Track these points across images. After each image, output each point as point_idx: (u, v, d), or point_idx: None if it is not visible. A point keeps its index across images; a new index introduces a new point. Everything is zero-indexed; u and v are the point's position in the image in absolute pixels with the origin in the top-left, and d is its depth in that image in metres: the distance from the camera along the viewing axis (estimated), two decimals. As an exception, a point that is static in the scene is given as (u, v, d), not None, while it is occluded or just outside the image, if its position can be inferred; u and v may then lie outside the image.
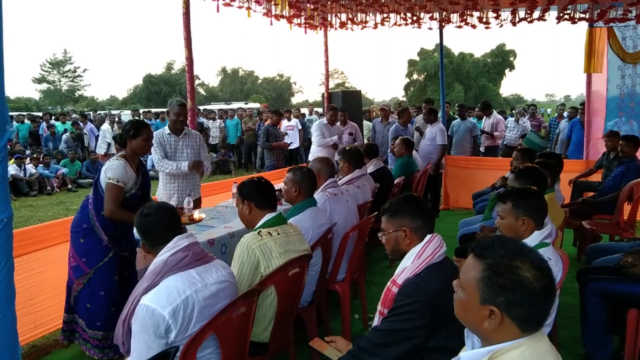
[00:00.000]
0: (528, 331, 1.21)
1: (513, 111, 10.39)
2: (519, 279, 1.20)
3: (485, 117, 9.16)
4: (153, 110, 20.28)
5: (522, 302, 1.19)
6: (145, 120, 14.99)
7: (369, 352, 1.90)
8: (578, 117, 8.65)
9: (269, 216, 2.63)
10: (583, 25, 6.82)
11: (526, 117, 10.24)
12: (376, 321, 2.07)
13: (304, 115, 14.18)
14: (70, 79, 50.38)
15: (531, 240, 2.37)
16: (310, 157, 6.64)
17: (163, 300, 1.87)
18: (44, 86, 49.64)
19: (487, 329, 1.23)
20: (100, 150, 12.68)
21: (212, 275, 2.06)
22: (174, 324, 1.87)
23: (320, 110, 15.05)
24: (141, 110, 18.56)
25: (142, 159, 3.49)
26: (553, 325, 2.57)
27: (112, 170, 3.07)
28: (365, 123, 10.26)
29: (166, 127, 4.40)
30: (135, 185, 3.23)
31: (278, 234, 2.58)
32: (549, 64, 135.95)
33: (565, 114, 10.13)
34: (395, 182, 5.35)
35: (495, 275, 1.22)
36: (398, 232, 2.07)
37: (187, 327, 1.90)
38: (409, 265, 2.00)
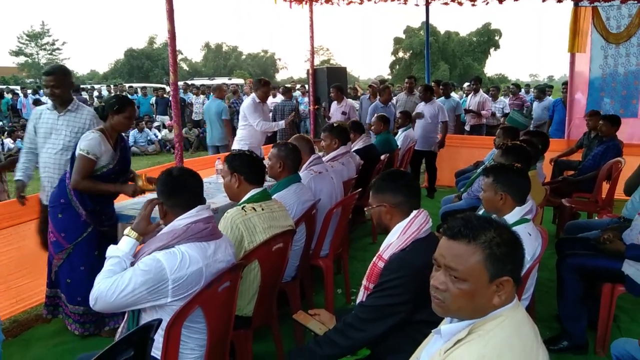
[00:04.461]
0: (516, 289, 1.29)
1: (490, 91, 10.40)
2: (513, 239, 1.29)
3: (471, 95, 9.19)
4: (135, 85, 19.91)
5: (521, 259, 1.30)
6: (128, 96, 14.84)
7: (355, 328, 1.92)
8: (560, 97, 8.72)
9: (254, 191, 2.63)
10: (568, 4, 6.83)
11: (508, 98, 10.31)
12: (361, 296, 2.09)
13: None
14: (49, 52, 49.02)
15: (512, 215, 2.42)
16: (238, 143, 5.97)
17: (176, 264, 1.86)
18: (22, 59, 48.32)
19: (496, 303, 1.25)
20: None
21: (222, 252, 2.07)
22: (171, 292, 1.86)
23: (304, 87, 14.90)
24: (126, 85, 18.14)
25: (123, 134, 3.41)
26: (531, 300, 2.63)
27: (85, 142, 3.01)
28: (350, 101, 10.23)
29: (49, 102, 3.44)
30: (112, 160, 3.14)
31: (262, 209, 2.58)
32: (533, 44, 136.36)
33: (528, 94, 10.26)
34: (381, 158, 5.36)
35: (498, 248, 1.24)
36: (380, 207, 2.09)
37: (183, 299, 1.90)
38: (394, 241, 2.01)
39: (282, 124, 6.25)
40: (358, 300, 2.11)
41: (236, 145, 5.98)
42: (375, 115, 6.19)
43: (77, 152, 3.02)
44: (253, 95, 6.01)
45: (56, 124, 3.29)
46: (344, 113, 7.58)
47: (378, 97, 7.61)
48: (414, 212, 2.05)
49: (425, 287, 1.36)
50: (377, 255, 2.06)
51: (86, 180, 3.03)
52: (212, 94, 8.84)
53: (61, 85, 3.27)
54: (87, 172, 3.03)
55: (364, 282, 2.09)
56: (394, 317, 1.89)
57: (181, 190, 2.06)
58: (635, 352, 2.09)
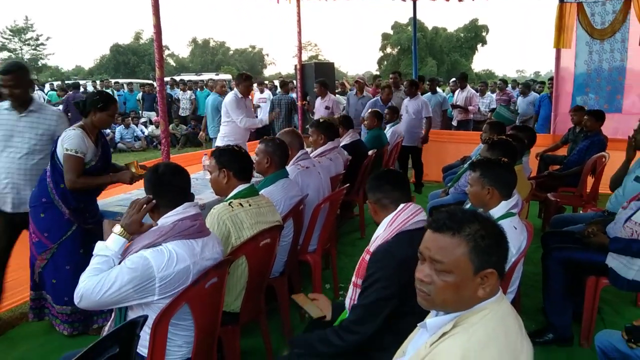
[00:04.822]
0: (500, 281, 1.29)
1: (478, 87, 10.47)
2: (497, 232, 1.30)
3: (459, 90, 9.23)
4: (121, 80, 19.69)
5: (505, 252, 1.30)
6: (114, 91, 14.68)
7: (350, 331, 1.92)
8: (547, 92, 8.80)
9: (241, 187, 2.61)
10: (554, 0, 6.88)
11: (495, 93, 10.38)
12: (350, 293, 2.10)
13: (276, 87, 13.99)
14: (33, 47, 48.28)
15: (498, 210, 2.44)
16: (221, 140, 5.71)
17: (163, 262, 1.85)
18: (5, 54, 47.55)
19: (480, 296, 1.26)
20: None
21: (209, 249, 2.05)
22: (158, 290, 1.85)
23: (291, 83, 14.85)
24: (113, 81, 17.92)
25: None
26: (517, 293, 2.66)
27: (69, 141, 2.94)
28: (334, 96, 10.25)
29: (5, 102, 3.17)
30: (95, 156, 3.09)
31: (250, 205, 2.57)
32: (520, 40, 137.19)
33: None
34: (369, 153, 5.37)
35: (482, 240, 1.25)
36: (370, 204, 2.20)
37: (170, 296, 1.88)
38: (381, 234, 2.04)
39: (265, 119, 6.01)
40: (348, 298, 2.12)
41: (220, 142, 5.77)
42: (370, 110, 6.19)
43: (64, 152, 2.94)
44: (235, 90, 5.78)
45: (17, 126, 3.09)
46: (327, 108, 7.61)
47: (380, 95, 7.57)
48: (401, 206, 2.06)
49: (410, 280, 1.36)
50: (365, 249, 2.08)
51: (82, 177, 2.98)
52: (212, 89, 9.31)
53: (20, 84, 3.06)
54: (79, 170, 2.97)
55: (353, 278, 2.10)
56: (381, 314, 1.89)
57: (168, 187, 2.04)
58: (618, 343, 2.13)
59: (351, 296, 2.09)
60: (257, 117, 6.16)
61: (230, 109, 5.62)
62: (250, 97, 11.75)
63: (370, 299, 1.90)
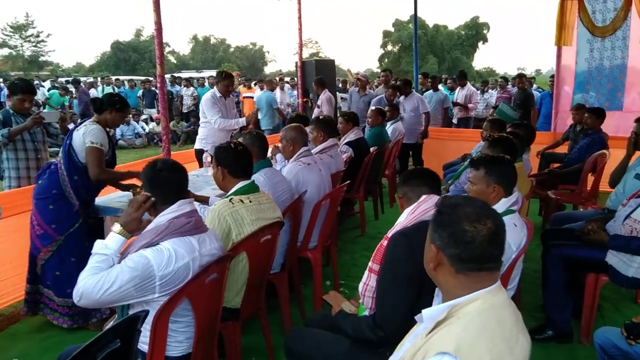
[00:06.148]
0: (462, 273, 1.29)
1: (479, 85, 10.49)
2: (454, 218, 1.30)
3: (459, 88, 9.22)
4: (122, 77, 19.69)
5: (455, 239, 1.29)
6: (115, 88, 14.72)
7: (381, 328, 1.91)
8: (548, 90, 8.78)
9: (241, 184, 2.63)
10: (555, -3, 6.89)
11: (495, 90, 10.37)
12: (365, 277, 2.11)
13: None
14: (33, 44, 48.21)
15: (498, 207, 2.43)
16: (199, 143, 5.36)
17: (163, 260, 1.85)
18: (5, 51, 47.50)
19: (431, 269, 1.35)
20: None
21: (207, 245, 2.05)
22: (158, 288, 1.86)
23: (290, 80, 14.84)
24: (113, 78, 17.93)
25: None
26: (517, 290, 2.66)
27: (93, 135, 3.10)
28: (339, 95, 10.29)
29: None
30: (108, 151, 3.26)
31: (250, 201, 2.58)
32: (521, 38, 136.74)
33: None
34: (371, 150, 5.37)
35: (438, 216, 1.34)
36: (398, 200, 2.32)
37: (170, 294, 1.89)
38: (401, 221, 2.08)
39: (242, 120, 5.42)
40: (361, 283, 2.13)
41: (198, 144, 5.41)
42: (375, 107, 6.19)
43: (89, 145, 3.08)
44: (214, 89, 5.40)
45: None
46: (317, 106, 7.71)
47: (384, 92, 7.58)
48: (423, 197, 2.11)
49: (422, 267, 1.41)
50: (384, 236, 2.10)
51: (105, 170, 3.16)
52: (264, 86, 10.35)
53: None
54: (102, 162, 3.16)
55: (370, 264, 2.11)
56: (405, 299, 1.88)
57: (165, 182, 2.04)
58: (618, 340, 2.13)
59: (365, 281, 2.10)
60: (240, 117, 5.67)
61: (206, 109, 5.26)
62: (239, 96, 11.94)
63: (389, 281, 1.92)
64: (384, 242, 2.05)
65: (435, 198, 2.08)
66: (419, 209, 2.06)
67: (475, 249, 1.27)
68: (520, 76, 9.53)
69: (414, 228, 1.99)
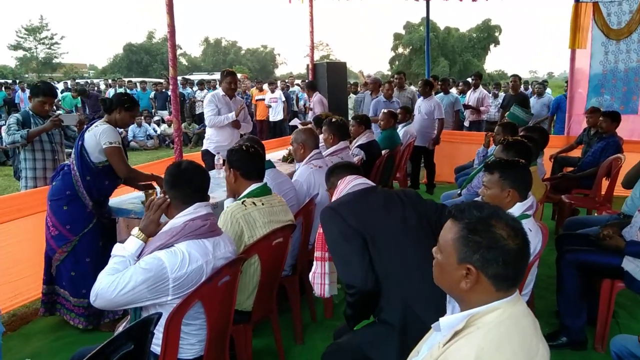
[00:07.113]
0: (502, 290, 1.24)
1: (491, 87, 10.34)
2: (494, 236, 1.23)
3: (471, 90, 9.15)
4: (134, 79, 19.85)
5: (497, 259, 1.22)
6: (127, 90, 14.83)
7: (349, 294, 2.06)
8: (563, 93, 8.65)
9: (254, 186, 2.63)
10: (569, 0, 6.81)
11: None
12: (314, 267, 2.36)
13: (288, 87, 14.00)
14: (47, 46, 48.70)
15: (513, 211, 2.40)
16: (206, 143, 5.31)
17: (177, 263, 1.86)
18: (20, 53, 48.13)
19: (463, 289, 1.26)
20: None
21: (221, 249, 2.06)
22: (172, 290, 1.86)
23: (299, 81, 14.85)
24: (126, 80, 18.09)
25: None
26: (531, 296, 2.63)
27: (108, 135, 3.13)
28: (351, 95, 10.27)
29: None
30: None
31: (262, 204, 2.58)
32: (533, 41, 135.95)
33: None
34: (383, 153, 5.34)
35: (471, 234, 1.25)
36: None
37: (183, 297, 1.90)
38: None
39: (231, 116, 5.18)
40: (311, 273, 2.39)
41: (205, 145, 5.37)
42: (387, 110, 6.15)
43: (106, 146, 3.11)
44: (218, 89, 5.44)
45: None
46: (310, 109, 7.89)
47: (381, 92, 7.60)
48: (347, 177, 2.36)
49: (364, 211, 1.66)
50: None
51: (132, 168, 3.25)
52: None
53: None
54: (125, 159, 3.23)
55: (316, 253, 2.33)
56: (358, 256, 1.99)
57: (187, 183, 2.06)
58: (635, 348, 2.10)
59: (314, 270, 2.32)
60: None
61: (204, 107, 5.28)
62: (251, 98, 11.99)
63: (336, 249, 2.08)
64: (320, 230, 2.25)
65: (360, 178, 2.31)
66: (342, 186, 2.29)
67: (517, 266, 1.24)
68: (515, 77, 8.87)
69: (336, 201, 2.22)
